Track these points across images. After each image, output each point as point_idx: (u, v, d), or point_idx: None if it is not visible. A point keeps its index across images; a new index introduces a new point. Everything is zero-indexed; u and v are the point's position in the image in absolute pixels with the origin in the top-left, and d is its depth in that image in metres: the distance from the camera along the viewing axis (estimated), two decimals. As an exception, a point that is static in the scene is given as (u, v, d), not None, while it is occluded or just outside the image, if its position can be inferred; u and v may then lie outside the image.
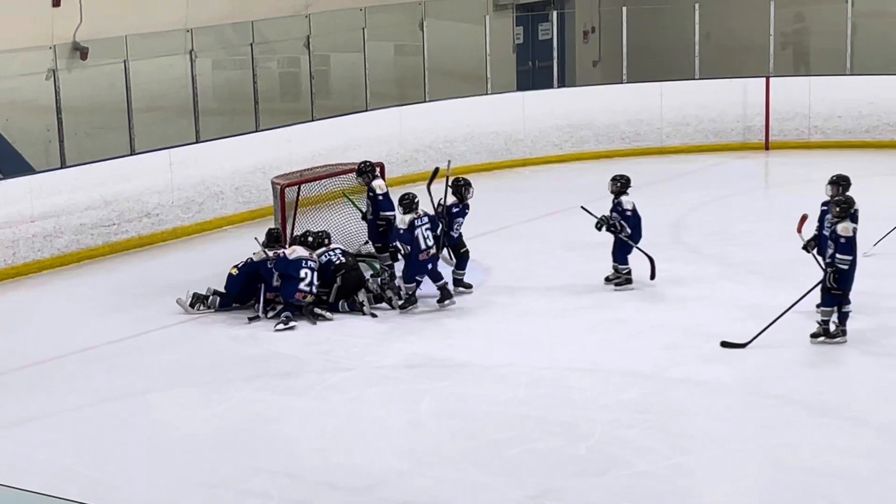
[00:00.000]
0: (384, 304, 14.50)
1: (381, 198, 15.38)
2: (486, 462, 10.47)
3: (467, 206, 15.00)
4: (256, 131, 19.66)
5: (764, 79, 22.79)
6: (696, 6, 23.06)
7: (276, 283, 14.23)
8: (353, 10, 21.51)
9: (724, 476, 10.17)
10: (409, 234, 14.33)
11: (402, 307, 14.34)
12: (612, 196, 15.10)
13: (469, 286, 14.95)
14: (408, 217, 14.37)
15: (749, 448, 10.61)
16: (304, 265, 14.17)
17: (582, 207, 15.29)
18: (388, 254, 15.06)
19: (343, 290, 14.41)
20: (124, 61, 18.05)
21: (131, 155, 18.09)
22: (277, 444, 11.01)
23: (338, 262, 14.52)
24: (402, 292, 14.41)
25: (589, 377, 12.29)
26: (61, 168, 17.39)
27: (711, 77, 23.09)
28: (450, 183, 15.06)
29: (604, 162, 22.23)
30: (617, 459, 10.46)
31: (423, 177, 20.07)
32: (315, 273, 14.21)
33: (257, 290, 14.31)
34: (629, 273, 14.98)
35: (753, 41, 23.65)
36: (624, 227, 14.91)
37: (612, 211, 15.04)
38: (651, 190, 20.16)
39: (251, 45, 19.88)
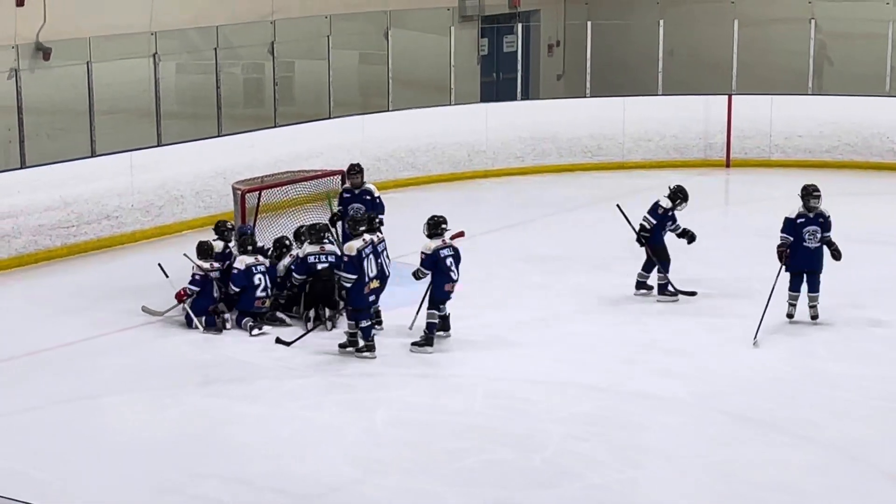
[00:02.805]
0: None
1: (377, 200, 15.56)
2: (440, 472, 10.49)
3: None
4: (219, 136, 19.62)
5: (726, 96, 22.93)
6: (661, 22, 23.18)
7: (215, 294, 14.28)
8: (318, 17, 21.51)
9: (675, 490, 10.22)
10: (431, 260, 13.72)
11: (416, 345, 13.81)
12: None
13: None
14: (433, 244, 13.68)
15: (700, 463, 10.67)
16: (255, 271, 14.17)
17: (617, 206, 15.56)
18: None
19: (310, 297, 14.32)
20: (87, 63, 17.99)
21: (92, 157, 18.02)
22: (230, 450, 10.99)
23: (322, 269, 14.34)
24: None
25: (544, 389, 12.32)
26: (21, 168, 17.30)
27: (674, 93, 23.20)
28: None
29: (565, 175, 22.32)
30: (570, 472, 10.50)
31: (383, 186, 20.12)
32: (267, 276, 14.22)
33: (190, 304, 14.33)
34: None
35: (716, 58, 23.78)
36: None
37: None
38: (611, 205, 20.20)
39: (215, 49, 19.84)
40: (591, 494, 10.13)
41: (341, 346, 13.38)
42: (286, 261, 14.52)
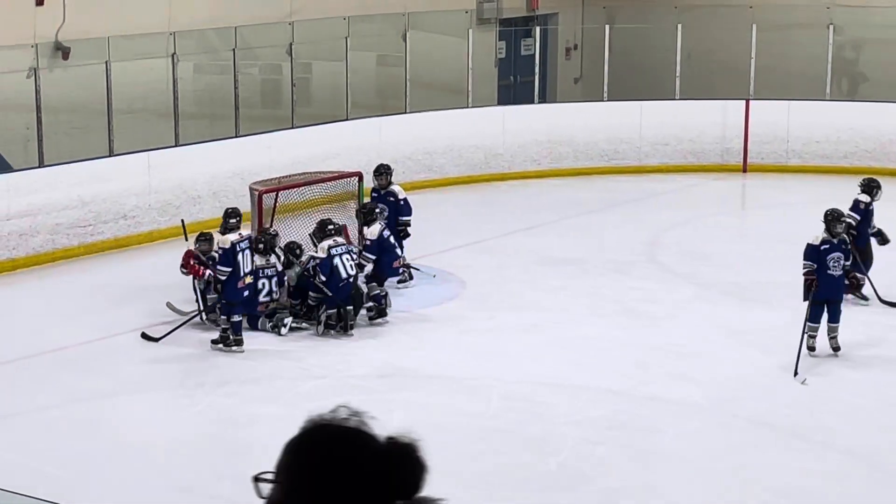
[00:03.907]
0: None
1: (402, 202, 15.76)
2: (455, 474, 10.45)
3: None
4: (236, 137, 19.65)
5: (744, 101, 22.89)
6: (679, 27, 23.16)
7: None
8: (336, 18, 21.52)
9: (691, 495, 10.21)
10: (377, 245, 14.42)
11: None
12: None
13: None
14: (375, 228, 14.40)
15: (716, 468, 10.65)
16: (261, 275, 14.15)
17: None
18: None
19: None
20: (106, 62, 18.04)
21: (110, 156, 18.06)
22: (246, 451, 10.99)
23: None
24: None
25: (560, 393, 12.31)
26: (39, 167, 17.35)
27: (691, 98, 23.17)
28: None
29: (582, 179, 22.29)
30: (585, 475, 10.50)
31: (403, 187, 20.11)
32: (273, 280, 14.19)
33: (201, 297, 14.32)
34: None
35: (734, 63, 23.75)
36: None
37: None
38: (628, 208, 20.25)
39: (233, 50, 19.88)
40: (607, 498, 10.13)
41: (214, 342, 13.57)
42: (297, 269, 14.39)
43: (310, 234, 14.64)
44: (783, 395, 12.25)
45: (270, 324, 14.06)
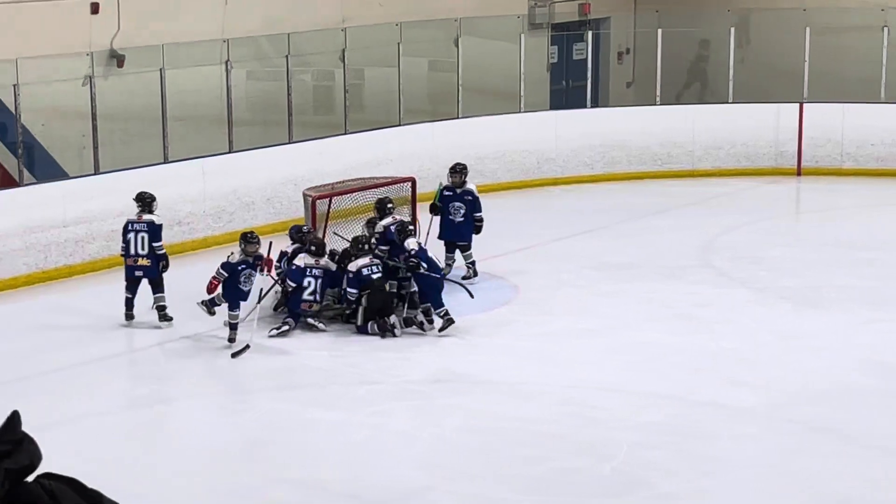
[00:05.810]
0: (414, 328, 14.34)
1: (478, 201, 16.03)
2: (510, 479, 10.48)
3: None
4: (289, 143, 19.74)
5: (798, 104, 22.75)
6: (732, 30, 23.05)
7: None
8: (388, 24, 21.56)
9: (746, 500, 10.16)
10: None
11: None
12: None
13: None
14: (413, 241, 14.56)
15: (771, 473, 10.59)
16: (308, 273, 14.20)
17: None
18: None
19: (369, 311, 14.29)
20: (160, 70, 18.17)
21: (165, 163, 18.19)
22: (301, 455, 11.05)
23: (376, 279, 14.39)
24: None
25: (614, 398, 12.29)
26: (95, 174, 17.50)
27: (745, 101, 23.07)
28: None
29: (635, 183, 22.23)
30: (640, 481, 10.46)
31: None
32: (319, 281, 14.24)
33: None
34: None
35: (788, 66, 23.61)
36: None
37: None
38: (681, 213, 20.17)
39: (286, 57, 19.97)
40: (661, 503, 10.09)
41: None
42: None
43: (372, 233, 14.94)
44: (839, 400, 12.15)
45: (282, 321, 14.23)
